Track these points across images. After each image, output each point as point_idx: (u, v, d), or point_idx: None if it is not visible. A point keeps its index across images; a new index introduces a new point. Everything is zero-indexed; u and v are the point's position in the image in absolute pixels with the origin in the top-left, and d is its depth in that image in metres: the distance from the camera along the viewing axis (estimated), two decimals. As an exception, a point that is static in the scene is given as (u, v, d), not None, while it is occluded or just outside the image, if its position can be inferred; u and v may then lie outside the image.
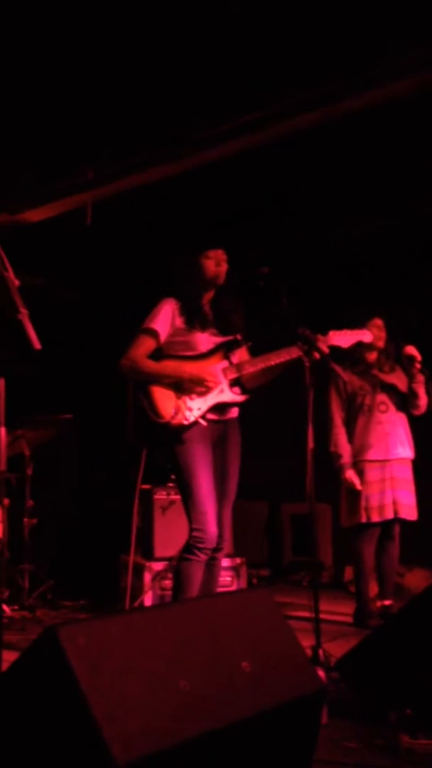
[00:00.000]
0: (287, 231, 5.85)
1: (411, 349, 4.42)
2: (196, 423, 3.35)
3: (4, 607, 4.57)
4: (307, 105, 4.12)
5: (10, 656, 1.94)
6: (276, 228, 5.80)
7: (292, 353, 3.41)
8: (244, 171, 5.05)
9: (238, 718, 1.74)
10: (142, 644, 1.70)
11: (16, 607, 4.82)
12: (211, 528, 3.28)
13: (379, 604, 4.59)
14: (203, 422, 3.37)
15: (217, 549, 3.37)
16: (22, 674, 1.64)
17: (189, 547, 3.29)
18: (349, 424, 4.59)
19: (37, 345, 2.49)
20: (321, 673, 2.93)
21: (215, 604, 2.00)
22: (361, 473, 4.49)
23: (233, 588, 4.84)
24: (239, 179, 5.19)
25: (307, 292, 5.48)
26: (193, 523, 3.29)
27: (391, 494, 4.44)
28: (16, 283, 2.55)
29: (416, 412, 4.58)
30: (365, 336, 3.72)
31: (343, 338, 3.59)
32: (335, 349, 3.59)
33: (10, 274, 2.52)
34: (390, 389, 4.57)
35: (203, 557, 3.29)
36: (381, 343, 4.57)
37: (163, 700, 1.64)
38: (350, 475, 4.47)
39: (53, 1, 3.69)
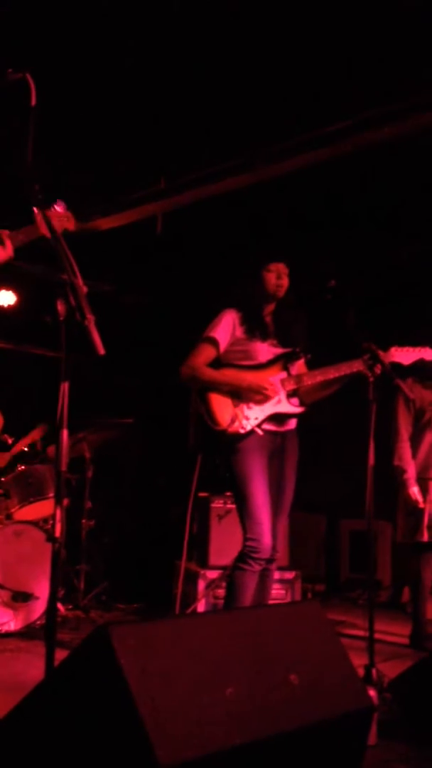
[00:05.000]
0: (358, 245, 5.80)
1: None
2: (252, 432, 3.36)
3: (59, 606, 4.65)
4: (389, 117, 4.09)
5: (62, 655, 1.98)
6: (347, 242, 5.76)
7: (352, 367, 3.39)
8: (317, 183, 5.04)
9: (284, 730, 1.73)
10: (191, 649, 1.71)
11: (70, 607, 4.90)
12: (266, 539, 3.27)
13: (436, 626, 4.49)
14: (260, 431, 3.36)
15: (270, 560, 3.35)
16: (72, 671, 1.68)
17: (243, 557, 3.28)
18: (414, 440, 4.50)
19: (102, 351, 2.54)
20: (373, 692, 2.88)
21: (265, 615, 2.00)
22: (425, 491, 4.39)
23: (287, 601, 4.80)
24: (312, 191, 5.18)
25: (375, 307, 5.42)
26: (247, 533, 3.29)
27: (455, 515, 4.35)
28: (84, 289, 2.62)
29: None
30: (427, 354, 3.67)
31: (404, 355, 3.55)
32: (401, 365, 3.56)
33: (79, 280, 2.59)
34: None
35: (257, 567, 3.28)
36: None
37: (209, 705, 1.65)
38: (414, 491, 4.38)
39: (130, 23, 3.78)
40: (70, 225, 2.71)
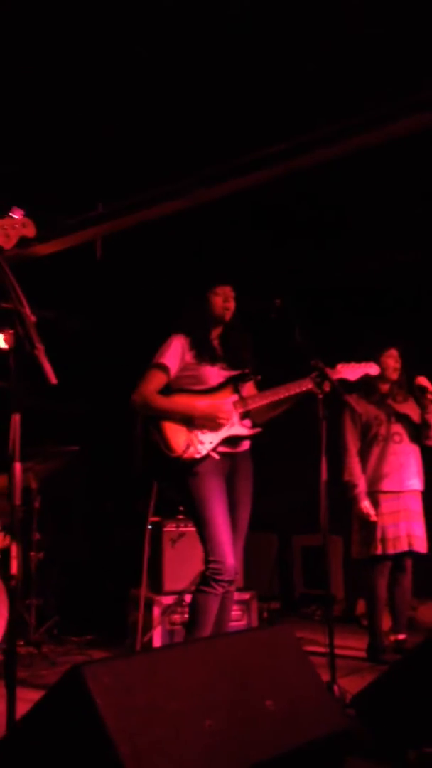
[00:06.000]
0: (303, 262, 5.89)
1: (423, 380, 4.41)
2: (207, 456, 3.35)
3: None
4: (319, 141, 4.19)
5: (19, 693, 1.93)
6: (292, 259, 5.84)
7: (301, 386, 3.44)
8: (257, 204, 5.10)
9: (264, 758, 1.71)
10: (167, 683, 1.67)
11: (21, 643, 4.75)
12: (229, 560, 3.25)
13: (392, 638, 4.53)
14: (215, 455, 3.37)
15: (231, 582, 3.33)
16: (46, 713, 1.62)
17: (206, 580, 3.26)
18: (362, 454, 4.56)
19: (54, 380, 2.49)
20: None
21: (238, 642, 1.97)
22: (375, 504, 4.44)
23: (243, 622, 4.77)
24: (251, 213, 5.24)
25: (322, 324, 5.50)
26: (210, 555, 3.26)
27: (406, 526, 4.40)
28: (33, 318, 2.57)
29: (430, 443, 4.56)
30: (372, 369, 3.76)
31: (350, 371, 3.63)
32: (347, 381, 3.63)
33: (27, 309, 2.53)
34: (404, 419, 4.56)
35: (220, 590, 3.25)
36: (396, 374, 4.57)
37: (189, 740, 1.61)
38: (366, 505, 4.43)
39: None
40: (30, 232, 2.60)
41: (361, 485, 4.48)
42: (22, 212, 2.55)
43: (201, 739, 1.62)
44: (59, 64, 3.93)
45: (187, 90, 4.15)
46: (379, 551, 4.39)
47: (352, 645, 4.64)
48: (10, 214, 2.54)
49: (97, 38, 3.79)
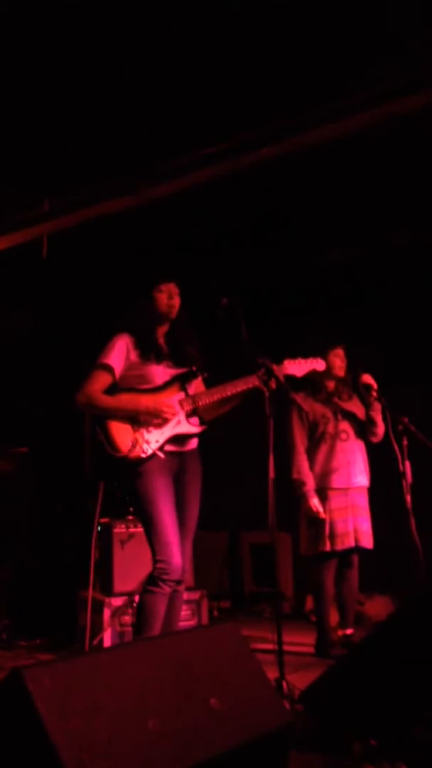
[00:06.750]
0: (248, 261, 5.91)
1: (367, 378, 4.47)
2: (154, 456, 3.34)
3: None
4: (267, 138, 4.20)
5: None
6: (237, 258, 5.87)
7: (248, 383, 3.45)
8: (203, 203, 5.11)
9: (208, 757, 1.71)
10: (109, 684, 1.66)
11: (-31, 648, 4.67)
12: (176, 559, 3.24)
13: (340, 633, 4.58)
14: (161, 455, 3.35)
15: (179, 581, 3.33)
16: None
17: (153, 579, 3.24)
18: (310, 452, 4.60)
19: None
20: (285, 705, 2.90)
21: (182, 641, 1.97)
22: (324, 501, 4.49)
23: (194, 622, 4.77)
24: (197, 211, 5.24)
25: (268, 322, 5.54)
26: (157, 555, 3.25)
27: (353, 522, 4.46)
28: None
29: (375, 440, 4.62)
30: (319, 364, 3.78)
31: (297, 367, 3.65)
32: (294, 377, 3.65)
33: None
34: (350, 417, 4.62)
35: (167, 589, 3.24)
36: (342, 372, 4.62)
37: (132, 741, 1.60)
38: (315, 502, 4.47)
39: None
40: None
41: (310, 483, 4.51)
42: None
43: (144, 740, 1.61)
44: (2, 56, 3.87)
45: (135, 85, 4.12)
46: (327, 548, 4.43)
47: (300, 641, 4.67)
48: None
49: (41, 30, 3.74)
